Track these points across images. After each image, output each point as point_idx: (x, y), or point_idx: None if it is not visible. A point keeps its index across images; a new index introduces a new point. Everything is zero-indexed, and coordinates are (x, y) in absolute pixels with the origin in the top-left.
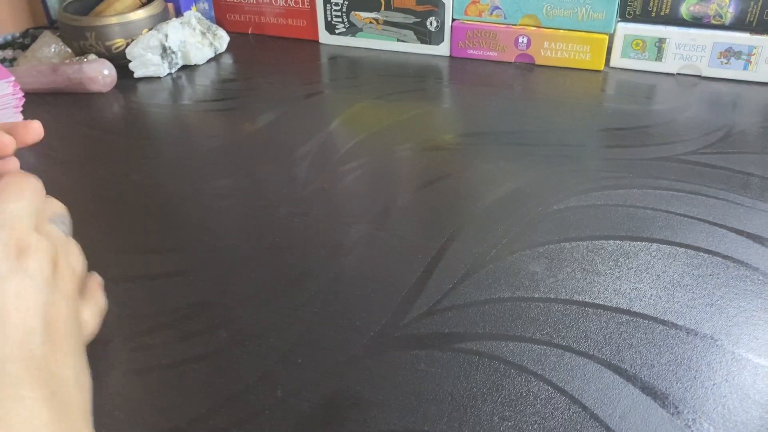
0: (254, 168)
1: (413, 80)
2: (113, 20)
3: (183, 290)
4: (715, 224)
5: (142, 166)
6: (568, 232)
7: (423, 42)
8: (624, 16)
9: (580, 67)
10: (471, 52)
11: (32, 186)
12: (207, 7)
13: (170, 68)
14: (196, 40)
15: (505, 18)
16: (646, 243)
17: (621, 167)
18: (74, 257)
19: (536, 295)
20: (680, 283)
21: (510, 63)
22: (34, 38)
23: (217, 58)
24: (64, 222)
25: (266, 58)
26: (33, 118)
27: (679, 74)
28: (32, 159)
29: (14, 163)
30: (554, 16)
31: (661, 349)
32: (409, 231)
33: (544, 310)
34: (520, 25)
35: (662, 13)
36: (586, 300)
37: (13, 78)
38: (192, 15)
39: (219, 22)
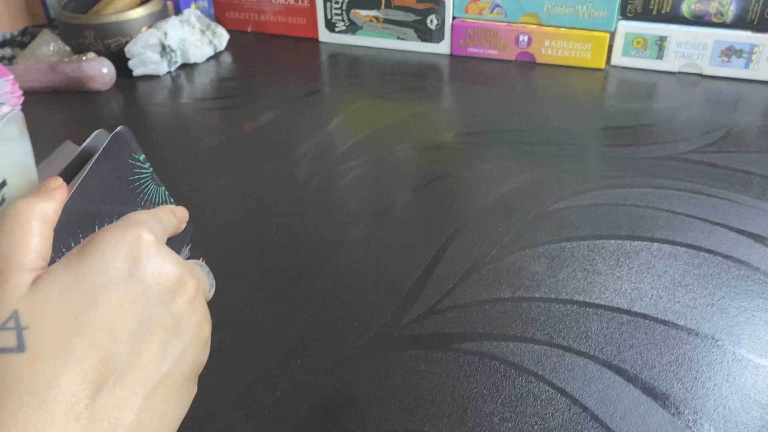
0: (253, 167)
1: (413, 79)
2: (112, 18)
3: None
4: (716, 223)
5: None
6: (569, 232)
7: (423, 40)
8: (625, 14)
9: (580, 66)
10: (471, 50)
11: (169, 211)
12: (206, 5)
13: (169, 66)
14: (195, 38)
15: (505, 16)
16: (647, 242)
17: (622, 166)
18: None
19: (537, 295)
20: (681, 282)
21: (511, 61)
22: (32, 36)
23: (216, 56)
24: (211, 275)
25: (266, 57)
26: (32, 116)
27: (680, 72)
28: None
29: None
30: (555, 14)
31: (662, 349)
32: (409, 231)
33: (545, 310)
34: (520, 23)
35: (663, 12)
36: (587, 300)
37: (11, 76)
38: (191, 13)
39: (218, 20)
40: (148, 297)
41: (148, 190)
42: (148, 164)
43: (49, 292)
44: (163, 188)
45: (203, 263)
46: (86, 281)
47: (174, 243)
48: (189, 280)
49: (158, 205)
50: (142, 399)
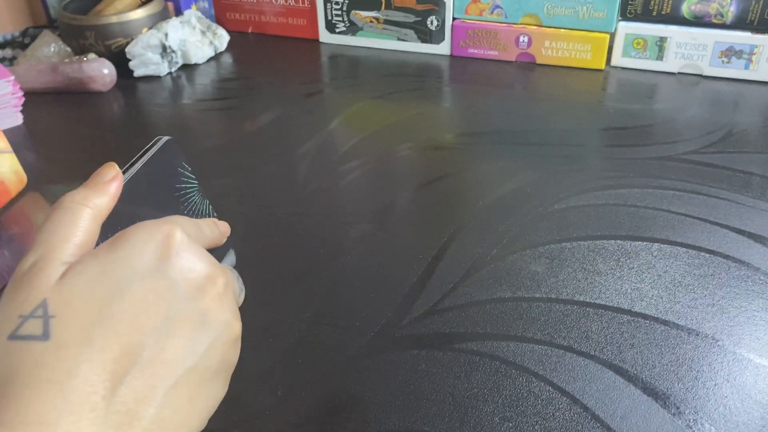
0: (254, 167)
1: (413, 79)
2: (113, 19)
3: None
4: (716, 224)
5: None
6: (569, 232)
7: (423, 41)
8: (625, 15)
9: (581, 66)
10: (471, 51)
11: (210, 222)
12: (207, 6)
13: (170, 67)
14: (196, 39)
15: (505, 17)
16: (648, 243)
17: (622, 167)
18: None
19: (537, 295)
20: (681, 283)
21: (511, 62)
22: (33, 37)
23: (217, 57)
24: (241, 282)
25: (266, 57)
26: (33, 117)
27: (680, 73)
28: (32, 159)
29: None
30: (555, 15)
31: (663, 349)
32: (409, 231)
33: (545, 310)
34: (520, 24)
35: (663, 12)
36: (588, 300)
37: (12, 77)
38: (192, 14)
39: (219, 21)
40: (175, 292)
41: (193, 200)
42: (195, 176)
43: (77, 283)
44: (208, 201)
45: (232, 268)
46: (113, 273)
47: (214, 255)
48: (219, 277)
49: (201, 216)
50: (163, 393)
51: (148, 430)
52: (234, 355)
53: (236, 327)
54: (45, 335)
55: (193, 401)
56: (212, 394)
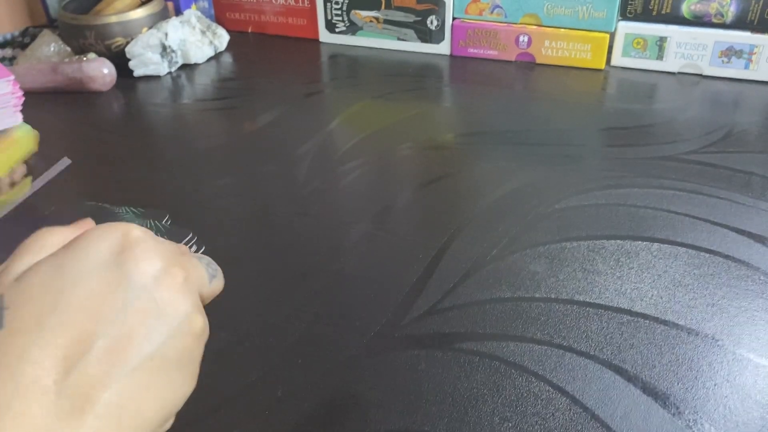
0: (254, 167)
1: (413, 79)
2: (113, 19)
3: None
4: (716, 224)
5: (141, 166)
6: (569, 232)
7: (423, 41)
8: (625, 14)
9: (580, 66)
10: (471, 50)
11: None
12: (207, 6)
13: (170, 67)
14: (195, 39)
15: (505, 17)
16: (648, 243)
17: (622, 166)
18: (200, 283)
19: (537, 295)
20: (681, 282)
21: (511, 62)
22: (33, 37)
23: (217, 56)
24: (212, 267)
25: (266, 57)
26: (33, 117)
27: (680, 73)
28: (32, 158)
29: None
30: (555, 15)
31: (662, 349)
32: (409, 231)
33: (545, 310)
34: (520, 23)
35: (663, 12)
36: (587, 300)
37: (12, 77)
38: (192, 13)
39: (219, 21)
40: (130, 282)
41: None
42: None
43: (33, 278)
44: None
45: (203, 255)
46: (68, 267)
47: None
48: (175, 268)
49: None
50: (117, 380)
51: (102, 415)
52: (197, 348)
53: (197, 320)
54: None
55: (151, 390)
56: (173, 386)
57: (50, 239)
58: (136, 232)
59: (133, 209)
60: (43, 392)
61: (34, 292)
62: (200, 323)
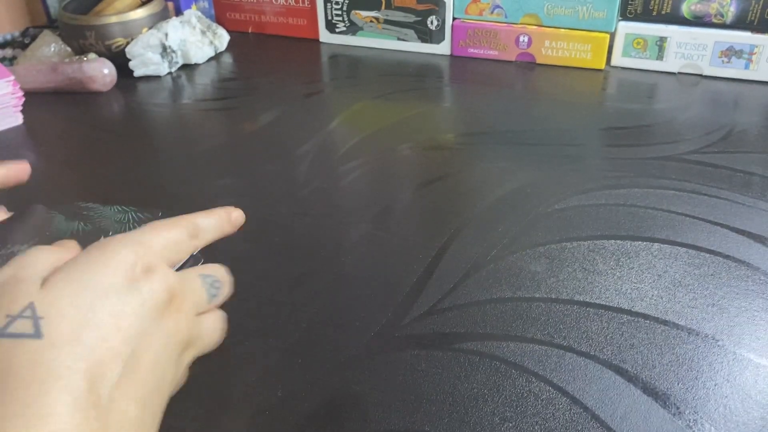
0: (254, 167)
1: (414, 79)
2: (113, 19)
3: None
4: (716, 224)
5: (141, 166)
6: (569, 232)
7: (423, 41)
8: (625, 14)
9: (581, 66)
10: (472, 51)
11: (190, 226)
12: (207, 6)
13: (170, 67)
14: (196, 39)
15: (505, 17)
16: (648, 243)
17: (622, 166)
18: (203, 313)
19: (537, 295)
20: (681, 283)
21: (511, 62)
22: (33, 37)
23: (217, 56)
24: (215, 286)
25: (266, 57)
26: (33, 117)
27: (680, 73)
28: (32, 159)
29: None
30: (555, 15)
31: (663, 349)
32: (409, 231)
33: (545, 310)
34: (520, 23)
35: (663, 12)
36: (588, 300)
37: (12, 77)
38: (192, 14)
39: (219, 21)
40: (143, 306)
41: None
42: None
43: (62, 290)
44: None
45: (209, 273)
46: (93, 282)
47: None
48: (177, 299)
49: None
50: (134, 395)
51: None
52: (183, 376)
53: (188, 354)
54: (38, 334)
55: (150, 408)
56: (162, 404)
57: (46, 257)
58: (148, 258)
59: (124, 207)
60: (76, 408)
61: (65, 304)
62: (188, 359)
